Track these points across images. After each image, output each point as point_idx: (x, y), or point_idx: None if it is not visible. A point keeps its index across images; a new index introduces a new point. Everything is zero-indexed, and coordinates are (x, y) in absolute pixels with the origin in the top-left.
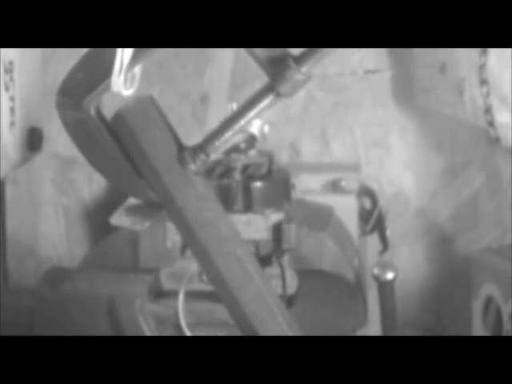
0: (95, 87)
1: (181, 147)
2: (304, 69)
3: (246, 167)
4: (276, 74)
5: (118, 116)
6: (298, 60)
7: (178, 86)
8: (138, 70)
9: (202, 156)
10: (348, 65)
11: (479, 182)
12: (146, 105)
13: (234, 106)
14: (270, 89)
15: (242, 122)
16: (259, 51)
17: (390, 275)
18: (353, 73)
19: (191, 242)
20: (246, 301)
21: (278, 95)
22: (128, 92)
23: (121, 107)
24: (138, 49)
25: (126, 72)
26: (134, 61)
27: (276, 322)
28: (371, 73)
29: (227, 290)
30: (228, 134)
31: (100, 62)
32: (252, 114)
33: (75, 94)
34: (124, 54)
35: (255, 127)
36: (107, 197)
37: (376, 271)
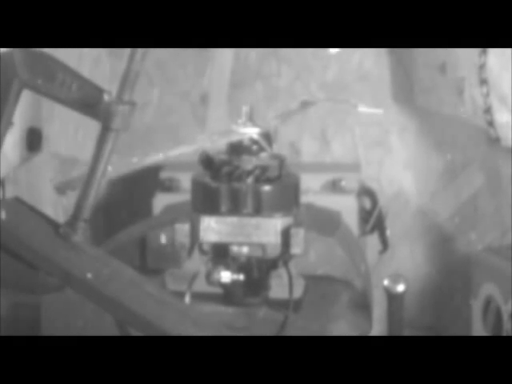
0: None
1: (57, 226)
2: (125, 97)
3: (256, 170)
4: (101, 114)
5: None
6: (115, 93)
7: (178, 86)
8: None
9: (80, 223)
10: (348, 65)
11: (479, 182)
12: (12, 205)
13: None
14: (105, 130)
15: (99, 172)
16: (75, 97)
17: (400, 288)
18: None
19: (101, 301)
20: (170, 327)
21: (116, 131)
22: None
23: None
24: None
25: None
26: None
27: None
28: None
29: (150, 325)
30: (92, 191)
31: None
32: (104, 160)
33: None
34: None
35: (272, 129)
36: (107, 197)
37: (387, 283)
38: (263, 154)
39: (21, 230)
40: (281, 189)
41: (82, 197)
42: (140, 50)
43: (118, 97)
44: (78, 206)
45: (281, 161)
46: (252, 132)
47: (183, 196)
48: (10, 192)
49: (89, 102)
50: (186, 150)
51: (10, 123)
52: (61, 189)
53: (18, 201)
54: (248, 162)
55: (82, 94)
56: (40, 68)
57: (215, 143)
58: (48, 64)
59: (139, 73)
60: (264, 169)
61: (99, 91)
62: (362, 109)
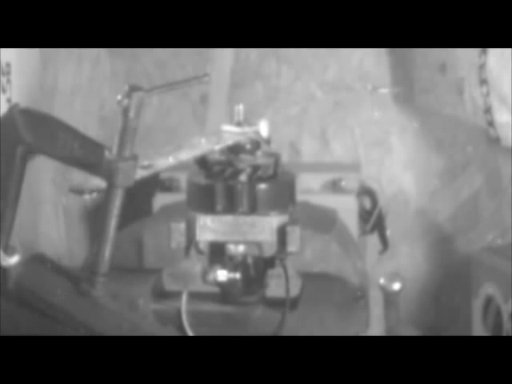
0: None
1: (77, 281)
2: (125, 153)
3: (253, 169)
4: (104, 172)
5: (16, 285)
6: (115, 150)
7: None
8: (16, 240)
9: (100, 278)
10: (348, 65)
11: (479, 182)
12: (32, 263)
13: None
14: (110, 187)
15: (111, 228)
16: (78, 156)
17: (396, 286)
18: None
19: None
20: None
21: (121, 188)
22: (13, 260)
23: (13, 276)
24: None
25: (4, 247)
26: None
27: None
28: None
29: None
30: (107, 245)
31: None
32: (114, 215)
33: None
34: None
35: (262, 129)
36: None
37: (383, 281)
38: (258, 153)
39: (42, 287)
40: (276, 187)
41: (98, 252)
42: (132, 109)
43: (118, 154)
44: (95, 262)
45: (276, 159)
46: (246, 131)
47: (183, 196)
48: None
49: (91, 160)
50: (196, 152)
51: (20, 189)
52: (76, 191)
53: (38, 257)
54: (243, 161)
55: (84, 152)
56: (42, 130)
57: (221, 144)
58: (49, 125)
59: (136, 129)
60: (259, 167)
61: (100, 149)
62: (383, 90)
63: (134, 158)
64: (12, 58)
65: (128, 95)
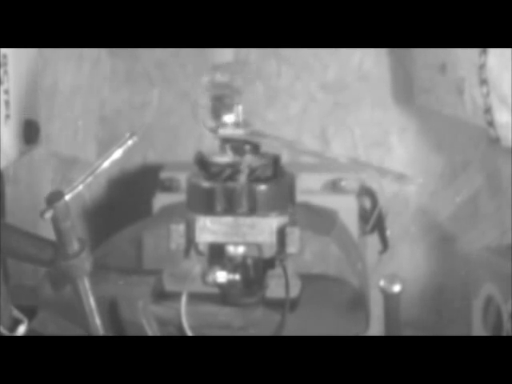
0: None
1: None
2: (70, 250)
3: (251, 169)
4: (58, 268)
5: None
6: (63, 251)
7: (178, 86)
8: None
9: None
10: (348, 65)
11: (479, 182)
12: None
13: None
14: (71, 279)
15: (93, 310)
16: (32, 254)
17: (396, 288)
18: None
19: None
20: None
21: (86, 277)
22: (21, 330)
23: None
24: None
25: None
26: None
27: None
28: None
29: None
30: (96, 321)
31: None
32: (90, 299)
33: None
34: None
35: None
36: (107, 197)
37: (382, 283)
38: (258, 154)
39: None
40: (276, 188)
41: (89, 330)
42: (60, 215)
43: (63, 253)
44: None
45: (275, 160)
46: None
47: (183, 196)
48: (10, 192)
49: (44, 258)
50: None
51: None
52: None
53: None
54: (243, 162)
55: (36, 251)
56: None
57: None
58: (3, 228)
59: (71, 225)
60: (259, 169)
61: (52, 247)
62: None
63: (82, 248)
64: (9, 49)
65: (49, 207)
